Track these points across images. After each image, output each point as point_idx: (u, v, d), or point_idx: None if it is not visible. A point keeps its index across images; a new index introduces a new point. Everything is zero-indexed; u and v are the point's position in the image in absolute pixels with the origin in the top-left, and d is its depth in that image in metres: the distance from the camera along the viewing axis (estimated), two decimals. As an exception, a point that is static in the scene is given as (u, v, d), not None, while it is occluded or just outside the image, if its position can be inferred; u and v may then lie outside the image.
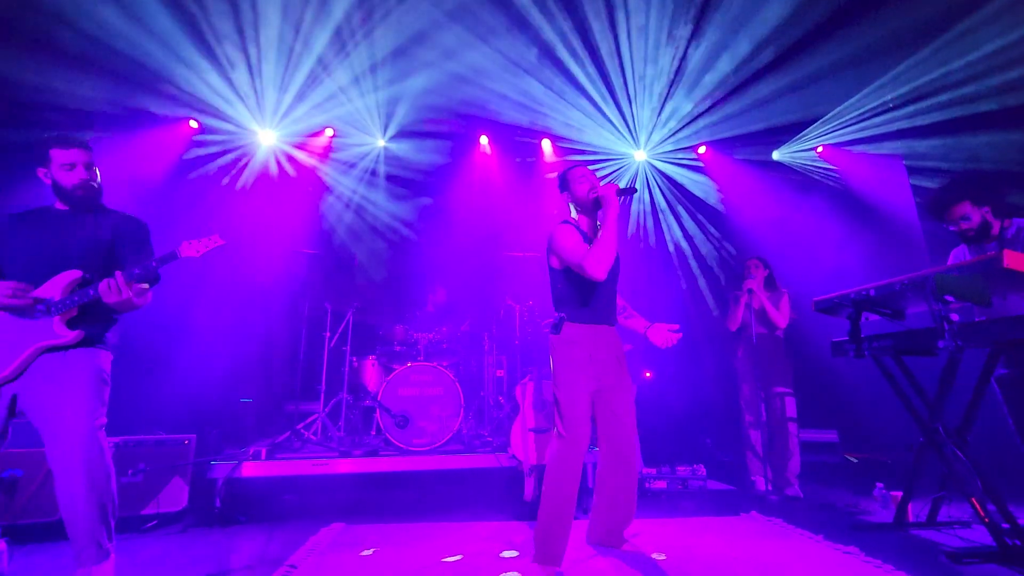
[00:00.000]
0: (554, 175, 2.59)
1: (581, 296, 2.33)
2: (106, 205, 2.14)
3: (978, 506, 2.26)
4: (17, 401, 1.87)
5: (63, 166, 1.99)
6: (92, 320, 1.97)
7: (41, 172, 2.02)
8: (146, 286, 2.03)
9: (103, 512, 1.84)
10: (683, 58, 4.65)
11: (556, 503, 2.15)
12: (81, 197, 2.03)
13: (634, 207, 6.26)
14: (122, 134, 4.56)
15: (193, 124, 4.90)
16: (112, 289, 1.89)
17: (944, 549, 2.31)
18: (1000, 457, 2.93)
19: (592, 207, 2.39)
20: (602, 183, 2.36)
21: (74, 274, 1.95)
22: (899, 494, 2.76)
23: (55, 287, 1.92)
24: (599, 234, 2.23)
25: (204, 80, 4.50)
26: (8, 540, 2.13)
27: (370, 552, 2.37)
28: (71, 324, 1.92)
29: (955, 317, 2.29)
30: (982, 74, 4.29)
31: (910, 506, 2.72)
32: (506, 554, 2.34)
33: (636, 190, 2.48)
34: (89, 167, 2.05)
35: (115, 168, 2.18)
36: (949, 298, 2.29)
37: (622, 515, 2.39)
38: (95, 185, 2.06)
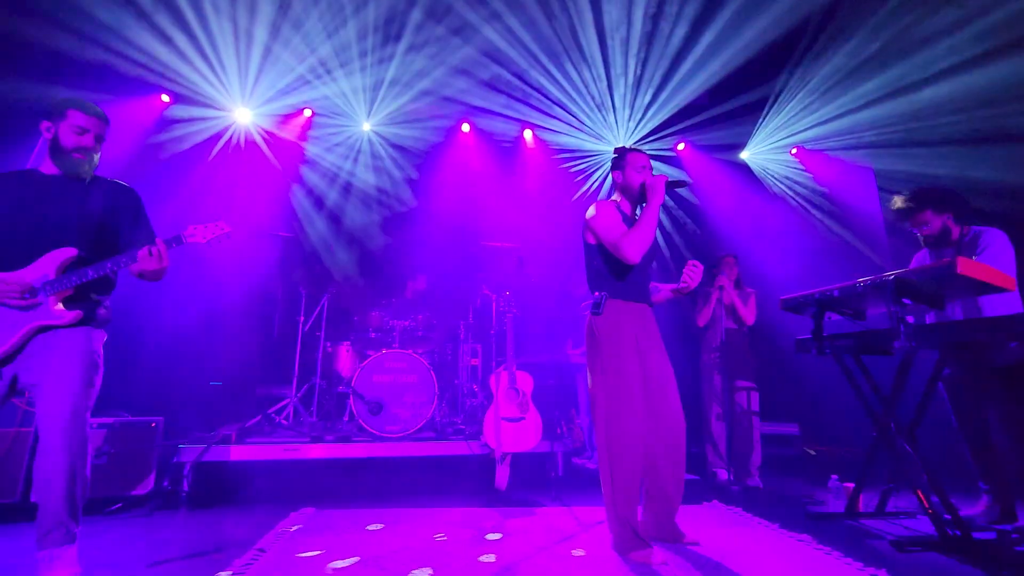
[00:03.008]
0: (617, 150, 2.52)
1: (622, 272, 2.31)
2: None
3: (923, 498, 2.39)
4: (18, 380, 1.84)
5: (75, 127, 1.93)
6: (86, 298, 1.93)
7: (45, 125, 1.94)
8: None
9: (74, 495, 1.81)
10: (670, 57, 4.70)
11: (626, 487, 2.12)
12: (76, 161, 1.95)
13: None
14: (94, 97, 4.37)
15: (165, 98, 4.74)
16: (155, 256, 1.88)
17: (890, 538, 2.45)
18: (945, 452, 3.10)
19: (639, 194, 2.36)
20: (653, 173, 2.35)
21: (69, 252, 1.88)
22: (852, 485, 2.90)
23: (49, 265, 1.85)
24: (641, 218, 2.23)
25: (179, 51, 4.36)
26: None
27: (330, 531, 2.39)
28: (67, 304, 1.88)
29: (910, 319, 2.41)
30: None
31: (861, 497, 2.86)
32: (490, 536, 2.39)
33: (687, 183, 2.49)
34: (99, 139, 1.99)
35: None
36: (906, 300, 2.40)
37: (674, 505, 2.31)
38: (94, 158, 2.00)
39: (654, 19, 4.30)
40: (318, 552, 2.19)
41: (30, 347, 1.84)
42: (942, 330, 2.28)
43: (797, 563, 2.12)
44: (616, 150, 2.51)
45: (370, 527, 2.55)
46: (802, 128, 5.39)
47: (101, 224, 1.99)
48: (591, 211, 2.35)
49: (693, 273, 2.36)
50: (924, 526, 2.65)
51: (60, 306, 1.86)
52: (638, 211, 2.43)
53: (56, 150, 1.94)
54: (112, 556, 2.16)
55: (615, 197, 2.49)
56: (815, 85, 4.82)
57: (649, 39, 4.54)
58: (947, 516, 2.35)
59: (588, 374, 2.34)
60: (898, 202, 2.88)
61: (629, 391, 2.18)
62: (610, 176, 2.48)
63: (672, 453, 2.28)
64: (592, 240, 2.36)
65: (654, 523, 2.33)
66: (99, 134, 1.99)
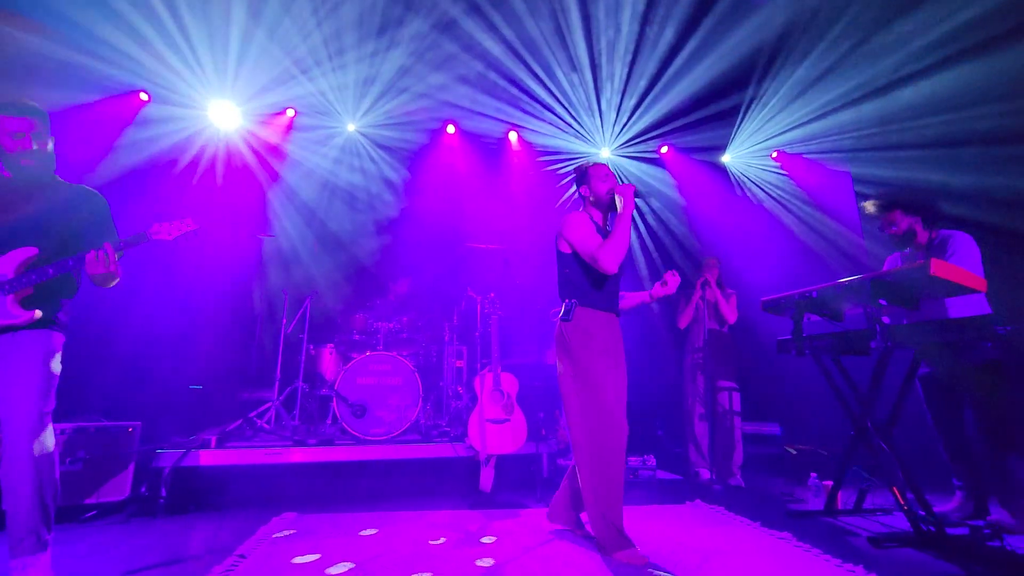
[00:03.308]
0: (580, 164, 2.60)
1: (593, 281, 2.38)
2: (60, 177, 2.04)
3: (898, 495, 2.45)
4: None
5: (9, 133, 1.89)
6: (45, 299, 1.88)
7: None
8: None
9: (43, 501, 1.77)
10: (656, 60, 4.76)
11: (609, 490, 2.17)
12: (24, 166, 1.92)
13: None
14: (64, 96, 4.27)
15: (143, 96, 4.65)
16: (100, 260, 1.84)
17: (867, 534, 2.50)
18: (920, 450, 3.17)
19: (609, 204, 2.44)
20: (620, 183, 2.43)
21: (29, 251, 1.84)
22: (831, 483, 2.96)
23: (7, 264, 1.82)
24: (614, 229, 2.29)
25: (158, 49, 4.27)
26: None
27: (312, 536, 2.36)
28: (25, 304, 1.83)
29: (886, 320, 2.47)
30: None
31: (840, 494, 2.92)
32: (485, 540, 2.38)
33: (653, 196, 2.60)
34: (37, 137, 1.93)
35: (57, 137, 2.06)
36: (882, 302, 2.46)
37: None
38: (42, 157, 1.95)
39: (641, 23, 4.34)
40: (311, 557, 2.16)
41: None
42: (918, 330, 2.34)
43: (778, 561, 2.15)
44: (575, 170, 2.60)
45: (363, 532, 2.52)
46: (781, 131, 5.49)
47: (64, 227, 1.95)
48: (565, 222, 2.42)
49: (671, 280, 2.49)
50: (900, 522, 2.71)
51: (18, 306, 1.82)
52: (609, 220, 2.52)
53: (3, 157, 1.92)
54: (87, 564, 2.11)
55: (581, 207, 2.57)
56: (794, 89, 4.91)
57: (636, 43, 4.58)
58: (922, 512, 2.41)
59: (559, 380, 2.39)
60: (870, 203, 2.97)
61: (606, 396, 2.25)
62: (577, 193, 2.57)
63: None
64: (566, 249, 2.42)
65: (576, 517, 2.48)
66: (36, 132, 1.94)
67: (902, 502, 2.44)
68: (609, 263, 2.23)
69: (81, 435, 2.88)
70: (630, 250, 2.51)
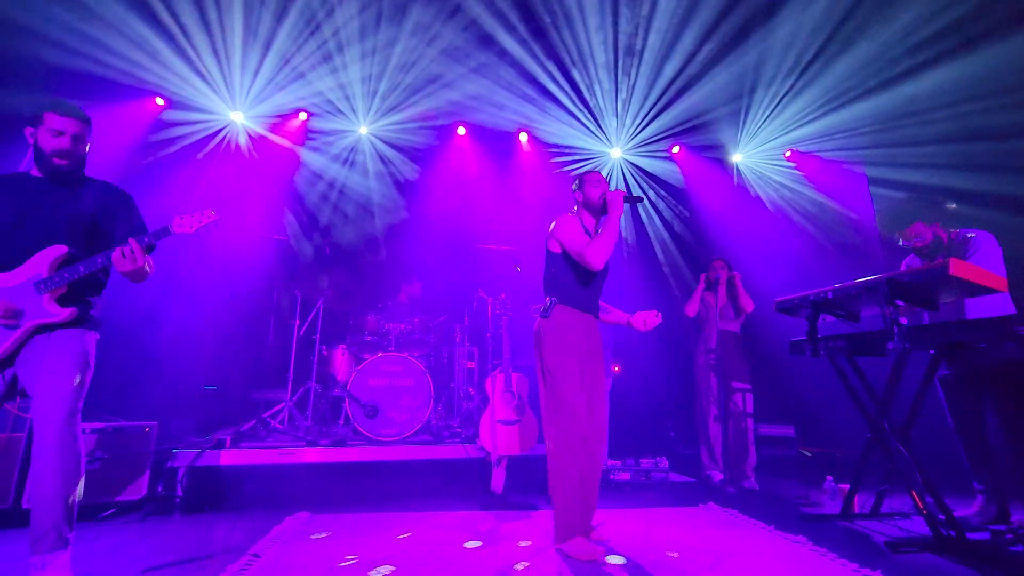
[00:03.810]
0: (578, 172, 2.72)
1: (575, 281, 2.49)
2: (86, 174, 2.08)
3: (917, 498, 2.40)
4: (19, 381, 1.85)
5: (51, 131, 1.92)
6: (79, 297, 1.93)
7: (28, 131, 1.94)
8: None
9: (68, 498, 1.80)
10: (675, 62, 4.74)
11: (566, 488, 2.25)
12: (57, 166, 1.95)
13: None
14: (84, 104, 4.36)
15: (159, 101, 4.73)
16: (127, 257, 1.88)
17: (885, 539, 2.45)
18: (939, 453, 3.12)
19: (600, 208, 2.54)
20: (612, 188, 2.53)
21: (60, 249, 1.89)
22: (847, 487, 2.91)
23: (41, 263, 1.86)
24: (602, 228, 2.42)
25: (173, 55, 4.35)
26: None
27: (325, 535, 2.38)
28: (61, 301, 1.88)
29: (904, 320, 2.43)
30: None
31: (856, 498, 2.87)
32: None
33: (642, 199, 2.72)
34: (77, 140, 1.97)
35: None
36: (899, 302, 2.42)
37: (591, 504, 2.45)
38: (77, 159, 1.99)
39: (643, 29, 4.34)
40: (312, 558, 2.18)
41: (27, 348, 1.84)
42: (937, 331, 2.29)
43: (793, 565, 2.12)
44: (574, 178, 2.73)
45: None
46: (795, 129, 5.43)
47: (92, 225, 1.99)
48: (556, 223, 2.53)
49: (650, 320, 2.57)
50: (919, 527, 2.66)
51: (55, 304, 1.86)
52: (600, 224, 2.62)
53: (38, 156, 1.95)
54: (105, 562, 2.14)
55: (575, 209, 2.66)
56: (810, 87, 4.85)
57: (647, 43, 4.57)
58: (942, 516, 2.37)
59: (536, 373, 2.50)
60: (887, 228, 2.94)
61: (567, 395, 2.33)
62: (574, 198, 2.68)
63: (595, 458, 2.43)
64: (556, 249, 2.52)
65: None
66: (77, 134, 1.97)
67: (921, 506, 2.39)
68: (596, 259, 2.33)
69: (99, 435, 2.93)
70: (646, 256, 2.57)
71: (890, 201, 5.11)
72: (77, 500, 1.84)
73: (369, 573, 2.00)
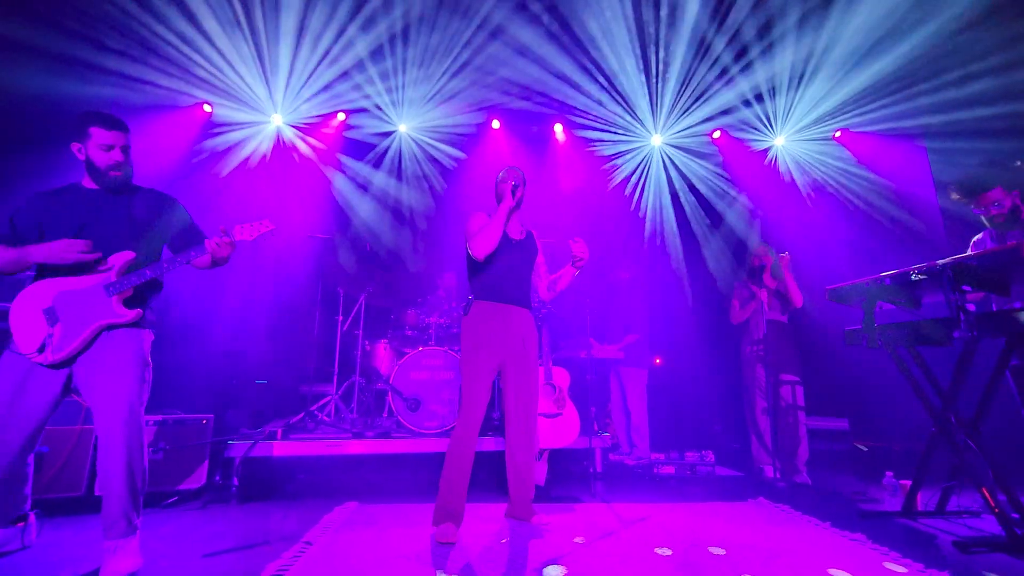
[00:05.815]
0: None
1: (486, 276, 2.59)
2: (136, 184, 2.19)
3: (988, 496, 2.26)
4: (72, 379, 1.97)
5: (101, 146, 2.02)
6: (140, 299, 2.06)
7: (76, 147, 2.03)
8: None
9: (135, 488, 1.92)
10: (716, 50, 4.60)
11: (448, 475, 2.38)
12: (113, 179, 2.06)
13: (648, 194, 6.17)
14: (135, 117, 4.58)
15: (207, 108, 4.92)
16: (222, 245, 2.06)
17: (952, 538, 2.32)
18: (1012, 448, 2.92)
19: (497, 202, 2.70)
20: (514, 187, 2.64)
21: (128, 255, 2.02)
22: (908, 483, 2.76)
23: (112, 268, 2.00)
24: (489, 219, 2.54)
25: (219, 63, 4.52)
26: (37, 513, 2.22)
27: (373, 525, 2.43)
28: (128, 303, 2.00)
29: (971, 307, 2.27)
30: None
31: (919, 495, 2.72)
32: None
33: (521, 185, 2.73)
34: (126, 150, 2.08)
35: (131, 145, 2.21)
36: (966, 287, 2.26)
37: (528, 488, 2.57)
38: (129, 169, 2.10)
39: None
40: (362, 546, 2.23)
41: (93, 347, 1.95)
42: (1011, 318, 2.13)
43: (853, 564, 2.03)
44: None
45: (411, 522, 2.58)
46: (844, 108, 5.15)
47: (149, 231, 2.10)
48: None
49: (577, 249, 2.61)
50: (990, 526, 2.50)
51: (122, 306, 1.98)
52: (510, 219, 2.71)
53: (93, 171, 2.05)
54: (170, 547, 2.27)
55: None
56: (854, 62, 4.58)
57: (694, 35, 4.45)
58: (1015, 515, 2.22)
59: None
60: (957, 189, 2.71)
61: (474, 384, 2.43)
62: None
63: (523, 441, 2.54)
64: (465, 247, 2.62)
65: (514, 503, 2.58)
66: (125, 145, 2.07)
67: (992, 504, 2.24)
68: (476, 249, 2.46)
69: (162, 427, 3.10)
70: (532, 246, 2.78)
71: (960, 169, 4.76)
72: (143, 488, 1.95)
73: (421, 564, 2.04)
